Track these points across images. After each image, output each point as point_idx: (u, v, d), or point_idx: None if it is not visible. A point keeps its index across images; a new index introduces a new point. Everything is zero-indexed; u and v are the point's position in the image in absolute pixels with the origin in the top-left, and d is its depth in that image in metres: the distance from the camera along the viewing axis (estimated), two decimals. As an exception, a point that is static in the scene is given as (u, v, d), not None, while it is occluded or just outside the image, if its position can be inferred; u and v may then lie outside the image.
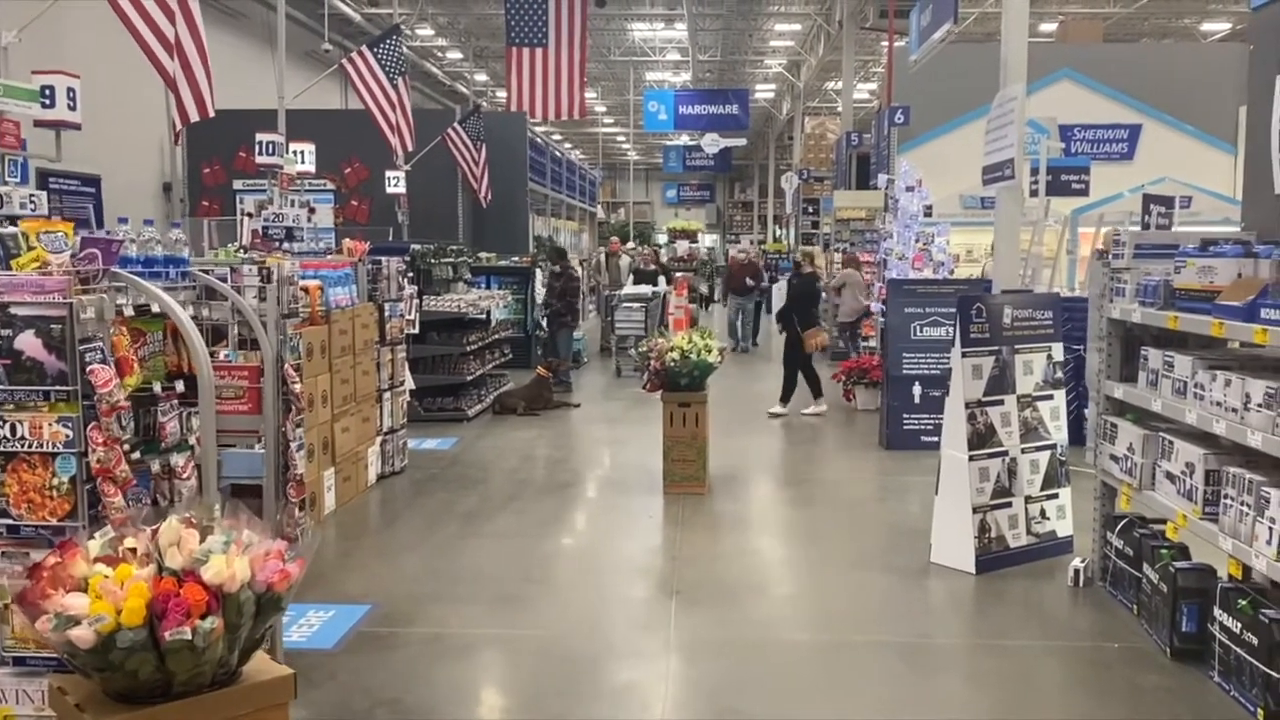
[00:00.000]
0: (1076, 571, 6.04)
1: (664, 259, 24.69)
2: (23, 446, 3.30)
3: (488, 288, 14.70)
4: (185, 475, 3.90)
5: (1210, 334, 4.61)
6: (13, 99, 6.28)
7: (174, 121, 9.65)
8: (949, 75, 16.10)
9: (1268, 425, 4.21)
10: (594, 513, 8.17)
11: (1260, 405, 4.27)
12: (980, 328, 6.38)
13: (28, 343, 3.25)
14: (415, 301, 10.17)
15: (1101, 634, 5.39)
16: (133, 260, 4.00)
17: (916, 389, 9.97)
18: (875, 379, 11.46)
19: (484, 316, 12.38)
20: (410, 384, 9.86)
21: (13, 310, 3.25)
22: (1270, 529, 4.18)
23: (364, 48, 14.48)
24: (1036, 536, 6.50)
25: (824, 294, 14.29)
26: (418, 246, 12.23)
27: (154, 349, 3.95)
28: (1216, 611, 4.66)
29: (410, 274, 10.26)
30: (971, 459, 6.23)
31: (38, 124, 6.58)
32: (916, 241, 12.18)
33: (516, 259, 17.12)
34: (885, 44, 19.21)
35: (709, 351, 8.24)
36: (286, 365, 4.50)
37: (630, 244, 30.52)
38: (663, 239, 39.64)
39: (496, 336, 13.02)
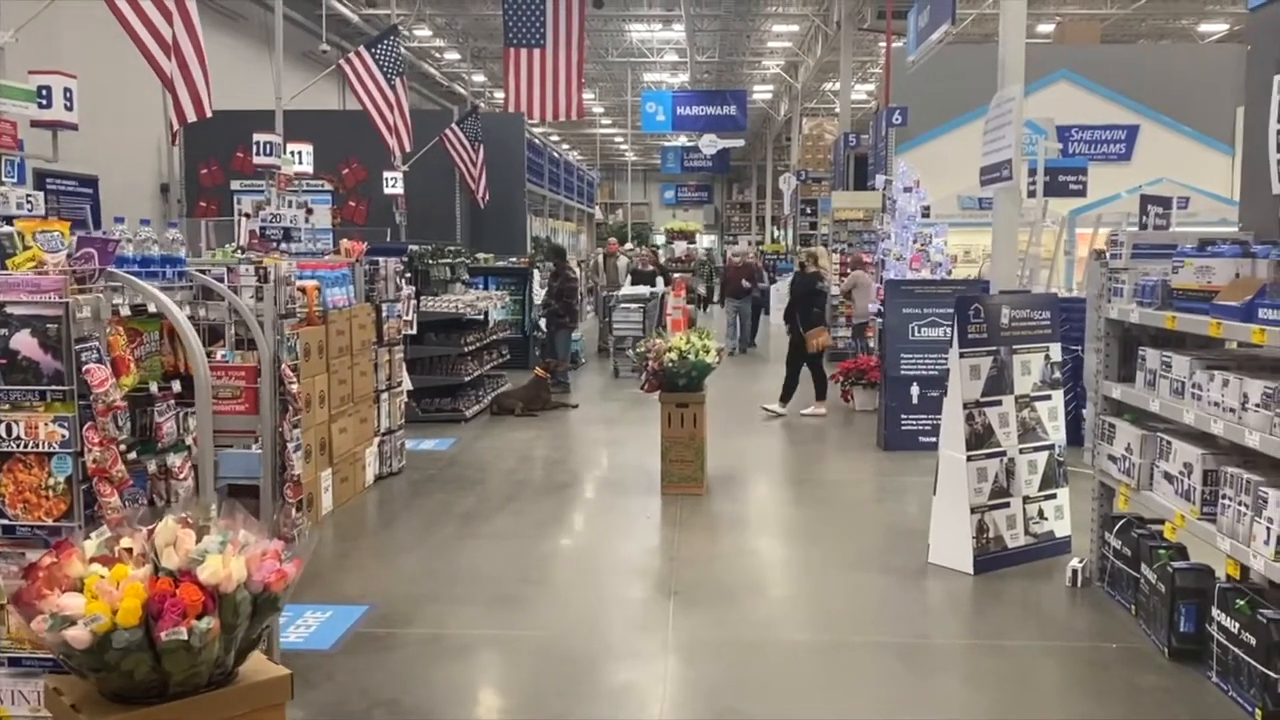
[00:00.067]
0: (1074, 572, 6.04)
1: (662, 260, 24.68)
2: (18, 446, 3.29)
3: (485, 288, 14.69)
4: (182, 476, 3.89)
5: (1208, 334, 4.61)
6: (10, 99, 6.26)
7: (171, 122, 9.64)
8: (947, 76, 16.10)
9: (1265, 425, 4.20)
10: (592, 513, 8.16)
11: (1258, 405, 4.26)
12: (978, 328, 6.38)
13: (23, 342, 3.25)
14: (413, 302, 10.16)
15: (1099, 634, 5.39)
16: (129, 260, 3.99)
17: (914, 389, 9.97)
18: (873, 380, 11.46)
19: (482, 317, 12.37)
20: (408, 385, 9.85)
21: (8, 310, 3.24)
22: (1268, 529, 4.18)
23: (362, 48, 14.47)
24: (1034, 537, 6.50)
25: (830, 295, 14.28)
26: (415, 247, 12.22)
27: (150, 349, 3.94)
28: (1214, 611, 4.66)
29: (408, 275, 10.25)
30: (969, 459, 6.22)
31: (34, 124, 6.57)
32: (914, 242, 12.18)
33: (514, 260, 17.11)
34: (883, 45, 19.23)
35: (707, 352, 8.24)
36: (284, 365, 4.49)
37: (628, 245, 30.52)
38: (661, 240, 39.64)
39: (494, 337, 13.01)
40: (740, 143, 32.29)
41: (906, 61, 14.07)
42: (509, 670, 5.11)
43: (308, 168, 11.27)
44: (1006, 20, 9.17)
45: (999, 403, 6.41)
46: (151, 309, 3.91)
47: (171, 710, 2.61)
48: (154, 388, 3.88)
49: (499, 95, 30.20)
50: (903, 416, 10.01)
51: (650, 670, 5.00)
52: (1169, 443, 5.08)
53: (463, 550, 6.92)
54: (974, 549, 6.21)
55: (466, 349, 11.57)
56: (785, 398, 11.87)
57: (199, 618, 2.55)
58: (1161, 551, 5.25)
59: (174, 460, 3.88)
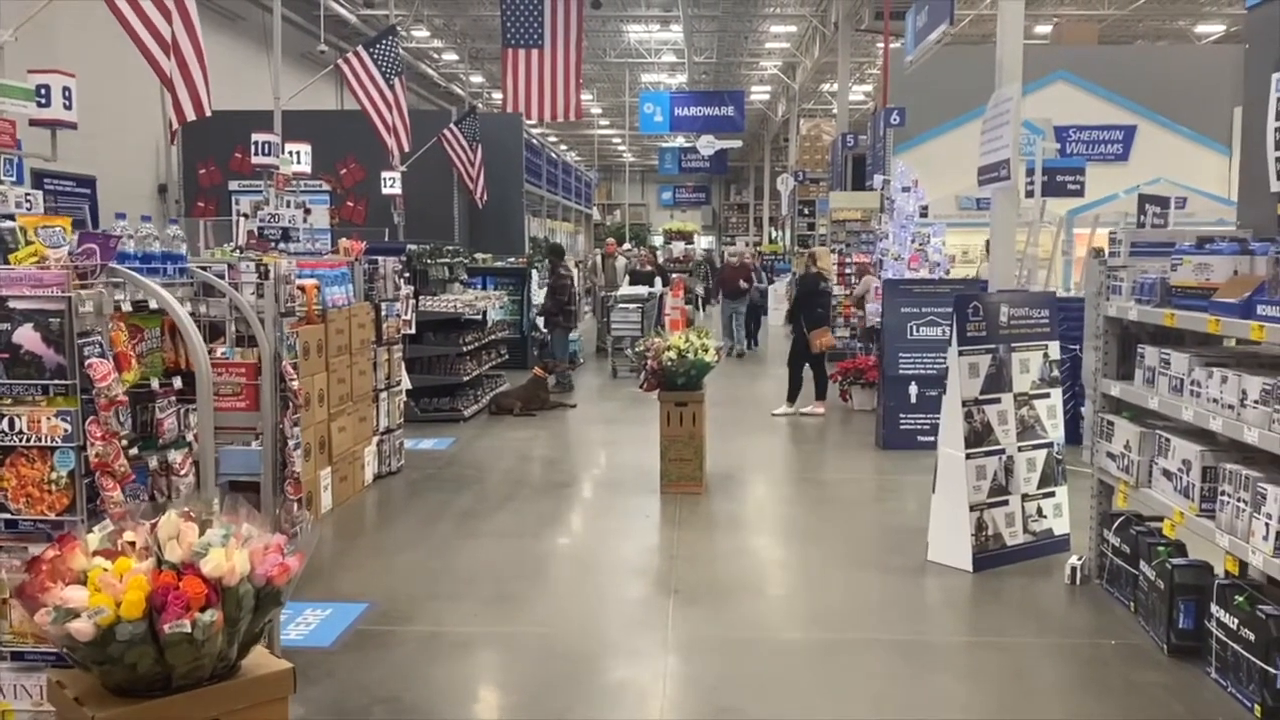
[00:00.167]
0: (1073, 569, 6.05)
1: (660, 260, 24.69)
2: (21, 441, 3.30)
3: (484, 288, 14.69)
4: (183, 472, 3.89)
5: (1207, 331, 4.63)
6: (8, 98, 6.25)
7: (170, 121, 9.62)
8: (945, 77, 16.14)
9: (1264, 421, 4.22)
10: (591, 512, 8.16)
11: (1257, 402, 4.28)
12: (977, 326, 6.39)
13: (26, 336, 3.25)
14: (411, 302, 10.16)
15: (1098, 631, 5.40)
16: (130, 256, 3.99)
17: (913, 389, 9.98)
18: (871, 379, 11.47)
19: (480, 317, 12.38)
20: (407, 384, 9.85)
21: (11, 304, 3.25)
22: (1267, 525, 4.19)
23: (360, 49, 14.47)
24: (1033, 534, 6.51)
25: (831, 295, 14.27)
26: (414, 247, 12.23)
27: (151, 345, 3.95)
28: (1213, 608, 4.67)
29: (406, 274, 10.25)
30: (968, 457, 6.23)
31: (33, 123, 6.56)
32: (912, 242, 12.20)
33: (512, 260, 17.12)
34: (881, 46, 19.24)
35: (705, 351, 8.25)
36: (284, 362, 4.49)
37: (626, 245, 30.52)
38: (659, 240, 39.66)
39: (493, 337, 13.02)
40: (738, 144, 32.30)
41: (904, 62, 14.11)
42: (509, 668, 5.12)
43: (306, 168, 11.25)
44: (1004, 21, 9.19)
45: (998, 400, 6.42)
46: (153, 305, 3.91)
47: (174, 703, 2.62)
48: (155, 384, 3.88)
49: (497, 96, 30.23)
50: (901, 416, 10.02)
51: (650, 668, 5.01)
52: (1167, 440, 5.10)
53: (462, 549, 6.93)
54: (973, 547, 6.22)
55: (465, 349, 11.58)
56: (791, 397, 11.88)
57: (202, 610, 2.56)
58: (1160, 548, 5.26)
59: (175, 456, 3.89)
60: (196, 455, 3.90)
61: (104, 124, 12.93)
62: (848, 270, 16.04)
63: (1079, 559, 6.08)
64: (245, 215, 9.49)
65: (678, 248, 31.85)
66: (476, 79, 32.96)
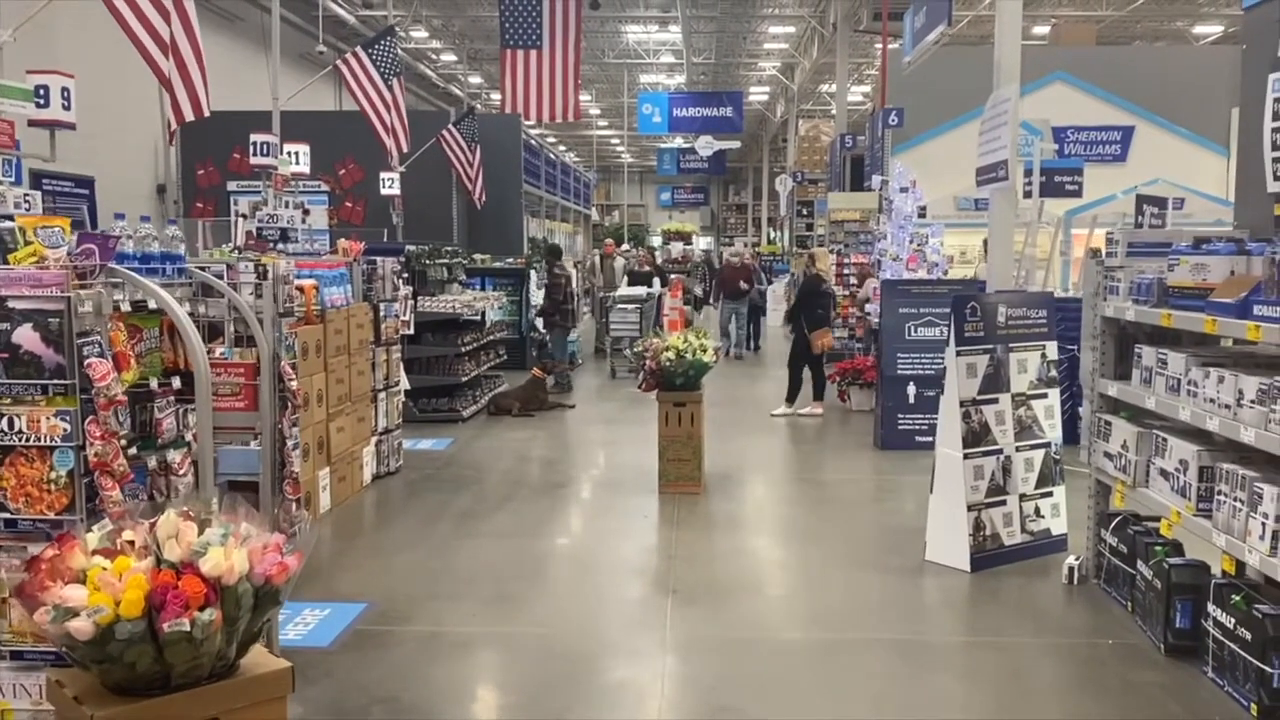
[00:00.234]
0: (1071, 569, 6.06)
1: (659, 261, 24.69)
2: (20, 440, 3.30)
3: (482, 289, 14.70)
4: (182, 471, 3.90)
5: (1203, 331, 4.63)
6: (7, 98, 6.25)
7: (169, 121, 9.62)
8: (943, 77, 16.16)
9: (1260, 421, 4.23)
10: (590, 512, 8.17)
11: (1253, 401, 4.29)
12: (975, 326, 6.40)
13: (25, 336, 3.26)
14: (410, 302, 10.17)
15: (1096, 631, 5.41)
16: (129, 256, 4.00)
17: (911, 389, 9.99)
18: (870, 380, 11.49)
19: (479, 318, 12.38)
20: (405, 384, 9.85)
21: (10, 304, 3.26)
22: (1263, 524, 4.20)
23: (358, 49, 14.49)
24: (1031, 534, 6.52)
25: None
26: (412, 247, 12.23)
27: (150, 345, 3.95)
28: (1210, 607, 4.68)
29: (405, 275, 10.26)
30: (966, 457, 6.24)
31: (32, 124, 6.56)
32: (911, 243, 12.22)
33: (511, 260, 17.13)
34: (879, 46, 19.26)
35: (704, 351, 8.26)
36: (283, 362, 4.50)
37: (625, 246, 30.53)
38: (657, 241, 39.65)
39: (491, 338, 13.03)
40: (736, 144, 32.31)
41: (903, 63, 14.12)
42: (507, 668, 5.12)
43: (304, 168, 11.26)
44: (1002, 22, 9.21)
45: (995, 401, 6.43)
46: (152, 305, 3.92)
47: (173, 702, 2.63)
48: (154, 384, 3.89)
49: (495, 96, 30.21)
50: (899, 416, 10.03)
51: (648, 668, 5.01)
52: (1165, 440, 5.11)
53: (461, 549, 6.93)
54: (971, 547, 6.23)
55: (464, 349, 11.58)
56: (791, 398, 11.90)
57: (201, 609, 2.56)
58: (1157, 548, 5.27)
59: (174, 456, 3.89)
60: (195, 455, 3.90)
61: (103, 124, 12.93)
62: (846, 271, 16.03)
63: (1076, 559, 6.09)
64: (244, 216, 9.49)
65: (676, 248, 31.85)
66: (475, 80, 32.98)
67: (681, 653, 5.17)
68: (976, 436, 6.31)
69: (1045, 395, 6.68)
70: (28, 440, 3.30)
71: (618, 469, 9.42)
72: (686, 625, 5.51)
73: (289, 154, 10.80)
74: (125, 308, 3.88)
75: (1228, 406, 4.48)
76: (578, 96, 15.17)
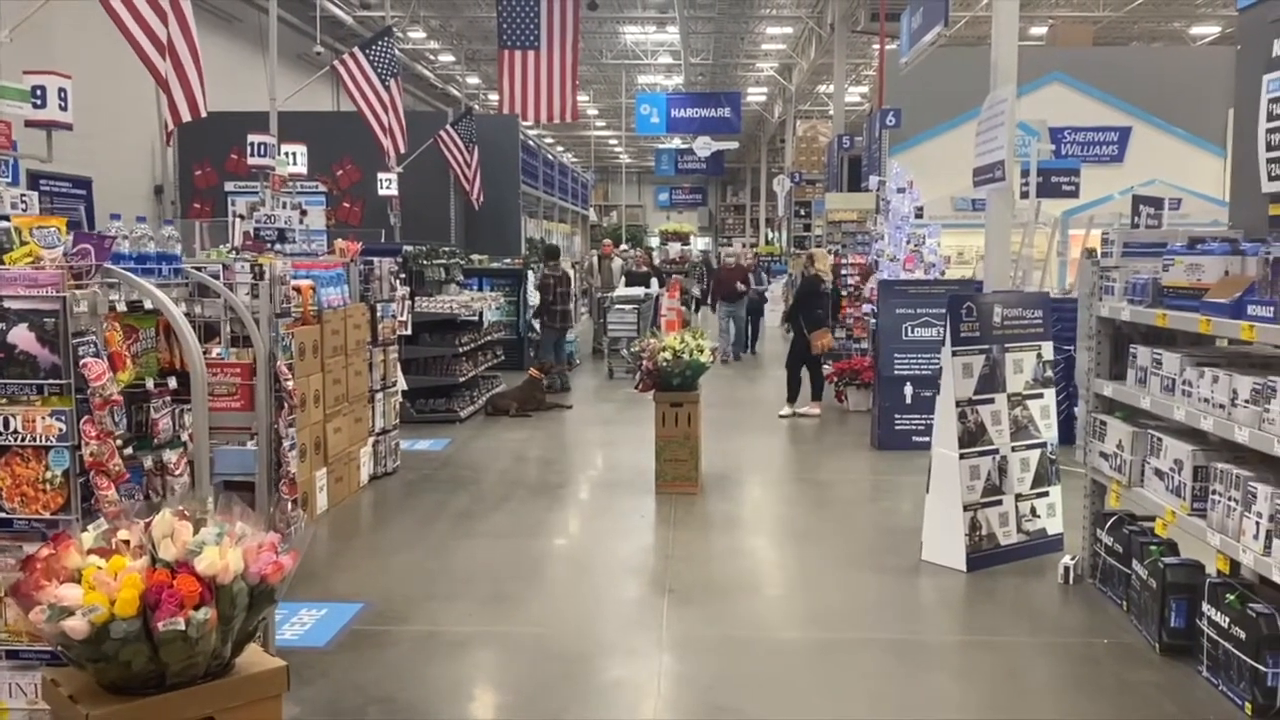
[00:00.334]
0: (1066, 569, 6.07)
1: (656, 261, 24.69)
2: (16, 440, 3.31)
3: (480, 289, 14.71)
4: (178, 472, 3.90)
5: (1198, 331, 4.65)
6: (4, 99, 6.25)
7: (166, 122, 9.62)
8: (940, 78, 16.18)
9: (1254, 421, 4.24)
10: (587, 513, 8.18)
11: (1247, 401, 4.30)
12: (970, 326, 6.41)
13: (21, 336, 3.26)
14: (407, 303, 10.17)
15: (1091, 630, 5.42)
16: (125, 256, 4.00)
17: (908, 389, 10.00)
18: (867, 380, 11.50)
19: (476, 318, 12.40)
20: (402, 385, 9.86)
21: (6, 304, 3.26)
22: (1257, 524, 4.21)
23: (356, 50, 14.49)
24: (1027, 534, 6.53)
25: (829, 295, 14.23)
26: (410, 248, 12.24)
27: (146, 345, 3.95)
28: (1205, 607, 4.69)
29: (403, 275, 10.27)
30: (962, 457, 6.25)
31: (29, 124, 6.56)
32: (908, 243, 12.22)
33: (509, 261, 17.13)
34: (877, 47, 19.28)
35: (701, 351, 8.27)
36: (279, 363, 4.50)
37: (623, 247, 30.53)
38: (655, 242, 39.67)
39: (489, 338, 13.04)
40: (734, 145, 32.33)
41: (900, 63, 14.14)
42: (504, 667, 5.13)
43: (302, 169, 11.25)
44: (999, 22, 9.23)
45: (991, 401, 6.44)
46: (148, 305, 3.92)
47: (169, 701, 2.63)
48: (150, 384, 3.89)
49: (493, 97, 30.21)
50: (896, 416, 10.04)
51: (645, 667, 5.02)
52: (1160, 439, 5.12)
53: (458, 549, 6.94)
54: (967, 546, 6.24)
55: (461, 350, 11.59)
56: (792, 398, 11.90)
57: (196, 608, 2.57)
58: (1152, 548, 5.28)
59: (170, 456, 3.89)
60: (191, 455, 3.90)
61: (100, 125, 12.92)
62: (845, 271, 16.02)
63: (1072, 558, 6.10)
64: (241, 216, 9.47)
65: (674, 249, 31.87)
66: (473, 80, 32.99)
67: (678, 652, 5.18)
68: (972, 436, 6.32)
69: (1041, 395, 6.69)
70: (23, 440, 3.31)
71: (615, 469, 9.42)
72: (683, 625, 5.52)
73: (286, 154, 10.79)
74: (121, 308, 3.88)
75: (1222, 406, 4.49)
76: (575, 97, 15.18)
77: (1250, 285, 4.33)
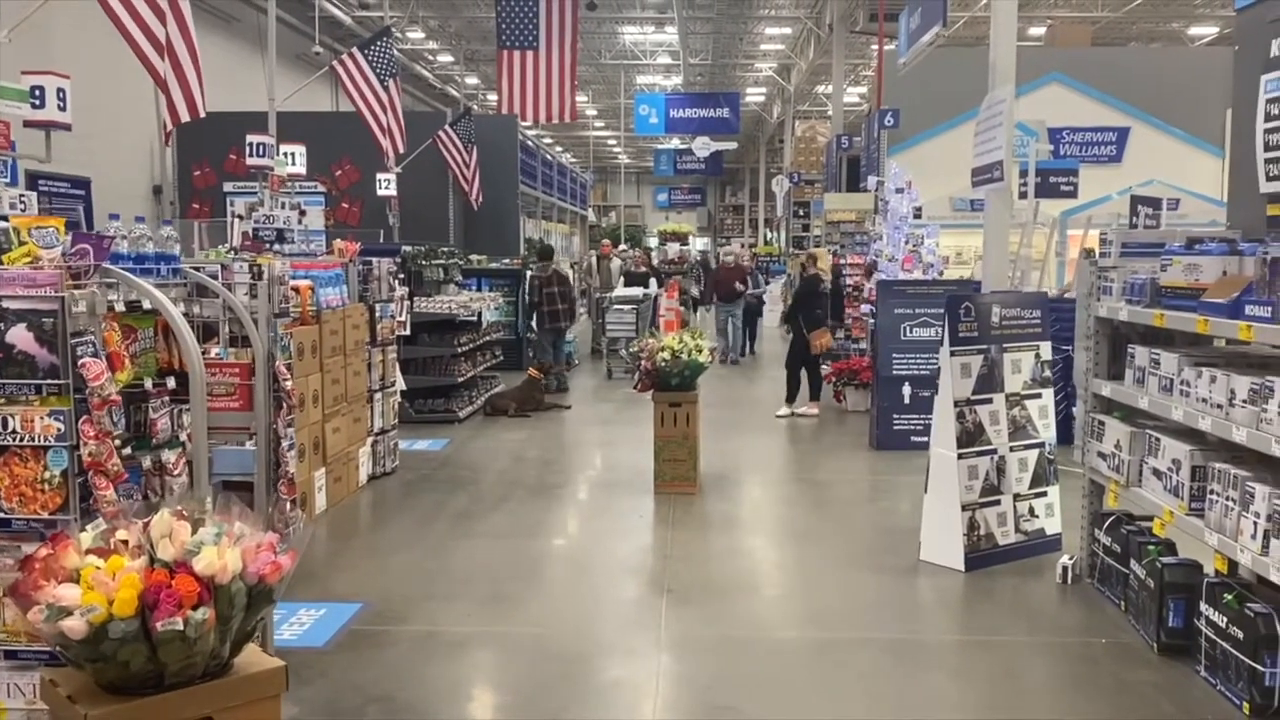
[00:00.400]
0: (1065, 568, 6.07)
1: (655, 262, 24.67)
2: (14, 440, 3.31)
3: (479, 290, 14.71)
4: (176, 472, 3.90)
5: (1196, 331, 4.65)
6: (3, 99, 6.25)
7: (165, 122, 9.61)
8: (939, 79, 16.19)
9: (1252, 421, 4.25)
10: (585, 513, 8.18)
11: (1245, 401, 4.31)
12: (969, 326, 6.41)
13: (19, 336, 3.26)
14: (406, 303, 10.17)
15: (1089, 630, 5.42)
16: (124, 257, 4.00)
17: (906, 389, 10.01)
18: (865, 380, 11.50)
19: (475, 318, 12.40)
20: (401, 385, 9.86)
21: (4, 304, 3.26)
22: (1255, 523, 4.21)
23: (355, 50, 14.49)
24: (1025, 534, 6.53)
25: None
26: (409, 248, 12.24)
27: (145, 345, 3.95)
28: (1203, 606, 4.69)
29: (401, 275, 10.27)
30: (960, 457, 6.26)
31: (27, 125, 6.56)
32: (906, 243, 12.23)
33: (507, 261, 17.13)
34: (875, 47, 19.28)
35: (699, 351, 8.27)
36: (278, 363, 4.50)
37: (621, 247, 30.51)
38: (654, 242, 39.66)
39: (488, 338, 13.03)
40: (733, 145, 32.34)
41: (898, 64, 14.14)
42: (503, 667, 5.13)
43: (301, 169, 11.25)
44: (997, 23, 9.23)
45: (990, 401, 6.44)
46: (146, 305, 3.92)
47: (167, 701, 2.63)
48: (149, 384, 3.89)
49: (492, 97, 30.22)
50: (895, 416, 10.04)
51: (643, 667, 5.02)
52: (1157, 439, 5.13)
53: (457, 549, 6.94)
54: (965, 546, 6.24)
55: (460, 350, 11.59)
56: (790, 398, 11.90)
57: (194, 608, 2.57)
58: (1150, 547, 5.29)
59: (168, 456, 3.89)
60: (190, 455, 3.90)
61: (99, 125, 12.92)
62: (846, 271, 16.01)
63: (1070, 558, 6.10)
64: (240, 216, 9.47)
65: (673, 249, 31.83)
66: (472, 80, 32.98)
67: (677, 652, 5.18)
68: (971, 436, 6.33)
69: (1039, 395, 6.70)
70: (22, 440, 3.31)
71: (613, 469, 9.43)
72: (682, 625, 5.52)
73: (285, 155, 10.78)
74: (120, 308, 3.88)
75: (1220, 406, 4.50)
76: (574, 97, 15.19)
77: (1248, 285, 4.34)
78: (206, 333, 4.70)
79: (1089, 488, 6.00)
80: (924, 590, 6.12)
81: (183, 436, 4.01)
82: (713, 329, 18.92)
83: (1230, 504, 4.41)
